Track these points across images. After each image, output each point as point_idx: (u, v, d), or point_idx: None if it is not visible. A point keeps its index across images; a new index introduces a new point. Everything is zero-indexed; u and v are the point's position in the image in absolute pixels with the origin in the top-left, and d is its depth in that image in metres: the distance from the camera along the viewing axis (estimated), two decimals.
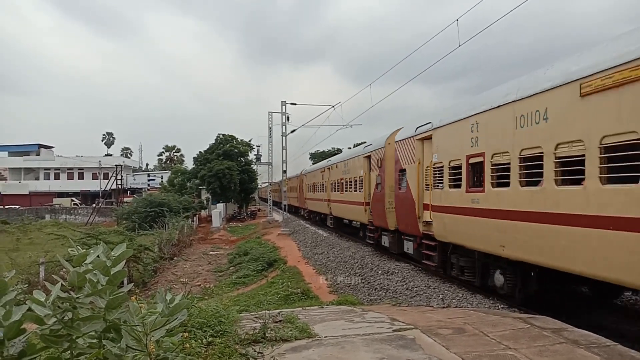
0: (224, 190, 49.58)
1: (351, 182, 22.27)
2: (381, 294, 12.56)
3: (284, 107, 36.27)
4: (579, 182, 7.07)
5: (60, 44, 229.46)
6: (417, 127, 13.67)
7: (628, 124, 6.18)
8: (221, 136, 53.08)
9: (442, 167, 11.88)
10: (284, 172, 38.84)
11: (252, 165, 54.84)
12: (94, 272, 2.65)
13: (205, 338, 5.36)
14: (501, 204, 9.12)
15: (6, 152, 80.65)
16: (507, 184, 8.91)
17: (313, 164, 49.41)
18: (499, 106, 9.29)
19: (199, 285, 19.15)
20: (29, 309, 2.51)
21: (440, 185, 11.93)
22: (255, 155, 54.01)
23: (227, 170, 48.42)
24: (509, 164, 8.85)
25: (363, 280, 14.44)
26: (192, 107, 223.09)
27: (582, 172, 6.95)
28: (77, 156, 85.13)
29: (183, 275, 21.70)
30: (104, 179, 77.88)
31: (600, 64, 6.72)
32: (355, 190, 21.20)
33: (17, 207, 69.04)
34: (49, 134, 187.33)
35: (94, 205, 70.27)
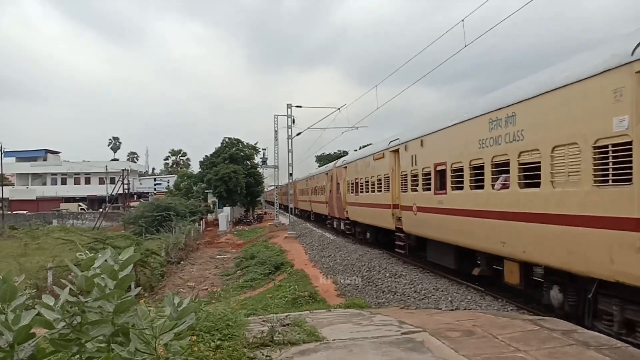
0: (230, 193, 49.67)
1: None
2: (389, 297, 12.51)
3: (289, 110, 36.36)
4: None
5: (67, 50, 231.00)
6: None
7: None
8: (227, 140, 53.27)
9: (349, 182, 19.06)
10: (290, 174, 38.90)
11: (258, 169, 54.96)
12: (102, 276, 2.66)
13: (213, 341, 5.36)
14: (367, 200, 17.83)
15: (13, 158, 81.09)
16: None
17: (319, 166, 49.42)
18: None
19: (206, 289, 19.16)
20: (38, 314, 2.52)
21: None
22: (261, 158, 54.20)
23: (233, 174, 48.52)
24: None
25: (371, 283, 14.39)
26: (198, 111, 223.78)
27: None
28: (83, 161, 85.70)
29: (190, 279, 21.73)
30: (110, 183, 78.13)
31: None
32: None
33: (24, 212, 69.40)
34: (56, 140, 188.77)
35: (101, 210, 70.59)
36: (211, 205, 58.68)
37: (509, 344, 5.92)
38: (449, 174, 11.90)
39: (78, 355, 2.57)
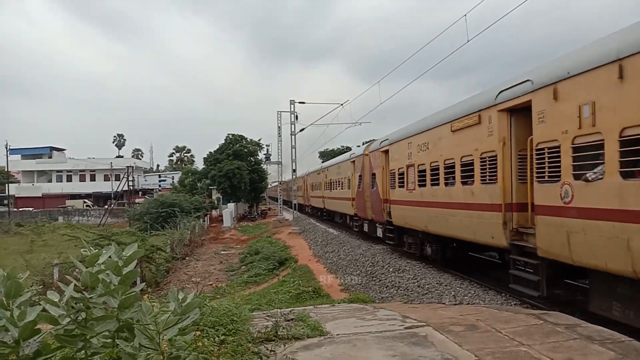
0: (235, 189, 49.75)
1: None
2: (392, 292, 12.53)
3: (292, 106, 36.35)
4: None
5: (71, 47, 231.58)
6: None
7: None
8: (231, 136, 53.29)
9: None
10: (294, 170, 38.91)
11: (261, 165, 55.01)
12: (107, 272, 2.68)
13: (218, 336, 5.38)
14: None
15: (19, 155, 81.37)
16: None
17: (322, 162, 49.44)
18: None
19: (211, 284, 19.23)
20: (44, 310, 2.55)
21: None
22: (264, 154, 54.21)
23: (237, 170, 48.58)
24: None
25: (374, 278, 14.41)
26: (202, 107, 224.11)
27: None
28: (88, 158, 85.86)
29: (195, 274, 21.81)
30: (115, 180, 78.46)
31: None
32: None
33: (30, 209, 69.84)
34: (61, 137, 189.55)
35: (106, 206, 70.86)
36: (215, 202, 58.85)
37: (512, 338, 5.93)
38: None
39: (83, 351, 2.60)
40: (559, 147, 7.73)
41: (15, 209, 68.84)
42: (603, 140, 6.70)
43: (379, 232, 19.54)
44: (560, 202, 7.66)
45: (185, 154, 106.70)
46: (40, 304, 2.57)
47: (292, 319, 6.81)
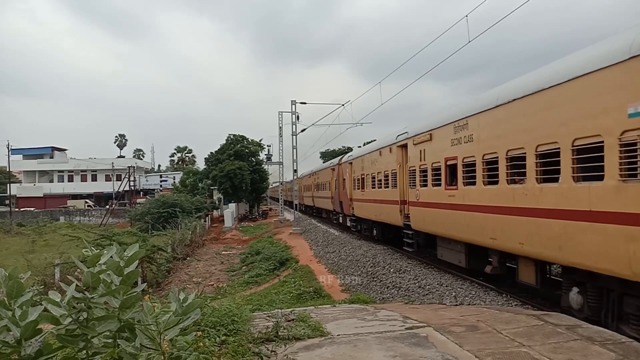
0: (236, 190, 49.78)
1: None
2: (393, 292, 12.54)
3: (293, 106, 36.35)
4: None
5: (74, 46, 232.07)
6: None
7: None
8: (232, 136, 53.33)
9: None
10: (295, 171, 38.92)
11: (263, 165, 55.02)
12: (108, 272, 2.68)
13: (219, 337, 5.39)
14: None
15: (21, 155, 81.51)
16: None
17: (324, 162, 49.44)
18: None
19: (212, 284, 19.24)
20: (45, 310, 2.55)
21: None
22: (266, 154, 54.22)
23: (238, 171, 48.61)
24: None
25: (375, 279, 14.42)
26: (203, 107, 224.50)
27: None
28: (90, 158, 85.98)
29: (196, 275, 21.81)
30: (117, 180, 78.56)
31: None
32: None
33: (32, 209, 69.94)
34: (62, 137, 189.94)
35: (107, 206, 70.94)
36: (217, 202, 58.88)
37: (513, 339, 5.93)
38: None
39: (84, 351, 2.61)
40: (415, 169, 14.86)
41: (16, 209, 68.93)
42: (427, 167, 13.77)
43: (348, 222, 26.40)
44: (416, 199, 14.69)
45: (186, 154, 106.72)
46: (41, 304, 2.58)
47: (293, 320, 6.82)
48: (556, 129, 7.76)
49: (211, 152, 54.05)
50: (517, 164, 9.02)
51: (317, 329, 6.37)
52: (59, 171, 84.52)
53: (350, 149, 43.28)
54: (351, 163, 24.96)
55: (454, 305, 9.84)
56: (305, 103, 37.61)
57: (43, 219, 59.49)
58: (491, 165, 9.91)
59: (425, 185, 13.91)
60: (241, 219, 52.29)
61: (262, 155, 54.95)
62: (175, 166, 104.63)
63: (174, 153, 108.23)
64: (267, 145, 54.97)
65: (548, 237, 8.02)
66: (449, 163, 12.19)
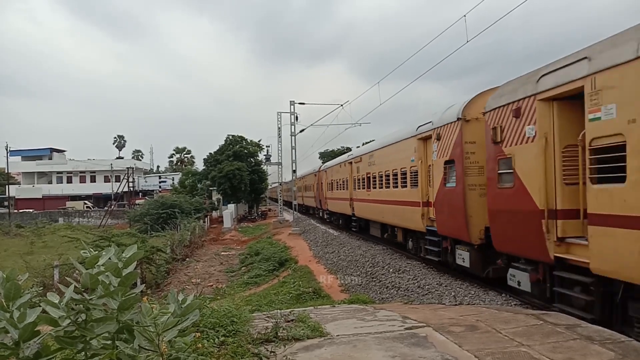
0: (235, 190, 49.74)
1: None
2: (392, 293, 12.53)
3: (292, 106, 36.32)
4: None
5: (73, 47, 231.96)
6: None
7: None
8: (231, 137, 53.28)
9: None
10: (294, 171, 38.89)
11: (261, 166, 55.01)
12: (107, 274, 2.68)
13: (218, 338, 5.38)
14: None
15: (19, 157, 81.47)
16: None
17: (323, 162, 49.52)
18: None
19: (211, 285, 19.25)
20: (44, 311, 2.55)
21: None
22: (264, 155, 54.21)
23: (237, 171, 48.57)
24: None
25: (374, 279, 14.42)
26: (202, 108, 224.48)
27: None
28: (89, 159, 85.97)
29: (195, 276, 21.82)
30: (115, 181, 78.54)
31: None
32: None
33: (31, 210, 69.87)
34: (61, 138, 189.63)
35: (106, 207, 70.92)
36: (215, 203, 58.87)
37: (512, 338, 5.93)
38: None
39: (83, 353, 2.61)
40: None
41: (15, 211, 68.86)
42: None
43: (325, 216, 35.64)
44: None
45: (185, 155, 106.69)
46: (40, 306, 2.58)
47: (292, 320, 6.81)
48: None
49: (210, 153, 54.05)
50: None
51: (317, 329, 6.37)
52: (58, 172, 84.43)
53: (349, 149, 43.42)
54: (325, 171, 33.43)
55: (453, 305, 9.84)
56: (304, 103, 37.46)
57: (42, 220, 59.47)
58: None
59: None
60: (240, 220, 52.25)
61: (261, 156, 54.98)
62: (174, 167, 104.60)
63: (173, 154, 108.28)
64: (266, 146, 55.00)
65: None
66: None
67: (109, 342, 2.66)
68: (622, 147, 6.27)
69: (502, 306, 9.42)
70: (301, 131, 38.24)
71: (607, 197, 6.58)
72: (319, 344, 5.88)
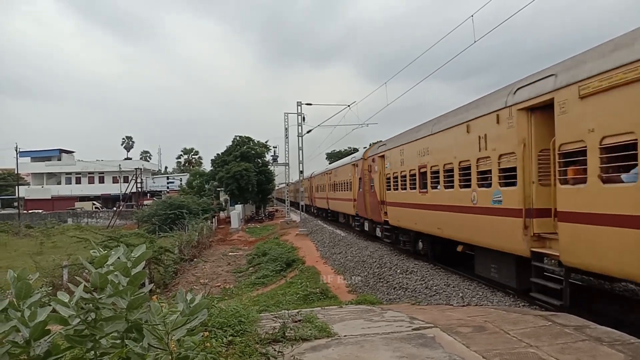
0: (242, 191, 49.85)
1: None
2: (400, 293, 12.51)
3: (299, 107, 36.37)
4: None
5: (80, 49, 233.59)
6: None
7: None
8: (238, 138, 53.43)
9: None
10: (301, 172, 38.92)
11: (269, 166, 55.12)
12: (116, 273, 2.70)
13: (226, 337, 5.40)
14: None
15: (29, 158, 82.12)
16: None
17: (330, 163, 49.45)
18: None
19: (219, 285, 19.29)
20: (54, 310, 2.57)
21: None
22: (272, 156, 54.31)
23: (244, 172, 48.69)
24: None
25: (382, 280, 14.39)
26: (210, 109, 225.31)
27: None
28: (97, 160, 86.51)
29: (203, 276, 21.88)
30: (124, 182, 78.92)
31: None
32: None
33: (40, 211, 70.42)
34: (70, 139, 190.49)
35: (114, 208, 71.33)
36: (223, 203, 59.03)
37: (520, 339, 5.90)
38: None
39: (92, 351, 2.62)
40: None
41: (25, 211, 69.43)
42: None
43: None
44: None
45: (193, 156, 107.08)
46: (50, 305, 2.60)
47: (299, 320, 6.82)
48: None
49: (217, 154, 54.25)
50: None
51: (324, 329, 6.37)
52: (67, 173, 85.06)
53: (356, 150, 43.37)
54: (314, 177, 37.96)
55: (461, 305, 9.80)
56: (310, 104, 37.58)
57: (51, 220, 59.93)
58: None
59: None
60: (247, 220, 52.35)
61: (268, 157, 55.13)
62: (181, 168, 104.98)
63: (181, 155, 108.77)
64: (273, 147, 55.14)
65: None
66: None
67: (118, 340, 2.67)
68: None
69: (510, 307, 9.37)
70: (308, 132, 38.30)
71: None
72: (327, 344, 5.88)
